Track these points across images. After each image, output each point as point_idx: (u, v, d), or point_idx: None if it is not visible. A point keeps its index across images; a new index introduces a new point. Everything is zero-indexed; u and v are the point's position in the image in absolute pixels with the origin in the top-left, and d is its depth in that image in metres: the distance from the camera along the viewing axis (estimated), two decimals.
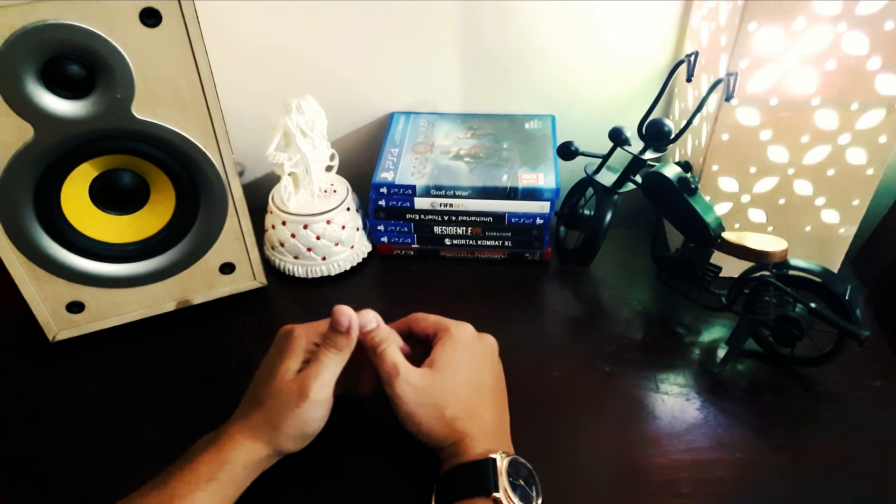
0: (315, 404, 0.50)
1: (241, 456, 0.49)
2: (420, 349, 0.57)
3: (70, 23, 0.51)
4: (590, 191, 0.75)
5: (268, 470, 0.52)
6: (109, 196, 0.62)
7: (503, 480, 0.47)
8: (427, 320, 0.57)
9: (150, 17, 0.53)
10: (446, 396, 0.52)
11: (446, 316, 0.58)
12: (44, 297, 0.63)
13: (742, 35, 0.58)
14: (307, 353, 0.53)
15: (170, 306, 0.69)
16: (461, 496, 0.47)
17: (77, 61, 0.53)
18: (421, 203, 0.74)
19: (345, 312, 0.52)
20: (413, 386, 0.51)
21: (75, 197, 0.60)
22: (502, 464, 0.48)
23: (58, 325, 0.66)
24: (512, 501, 0.46)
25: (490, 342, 0.58)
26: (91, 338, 0.67)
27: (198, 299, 0.70)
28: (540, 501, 0.48)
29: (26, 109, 0.53)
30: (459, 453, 0.50)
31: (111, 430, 0.61)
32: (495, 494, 0.46)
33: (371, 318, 0.54)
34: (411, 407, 0.51)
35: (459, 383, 0.53)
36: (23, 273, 0.61)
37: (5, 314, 0.71)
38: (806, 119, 0.62)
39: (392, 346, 0.53)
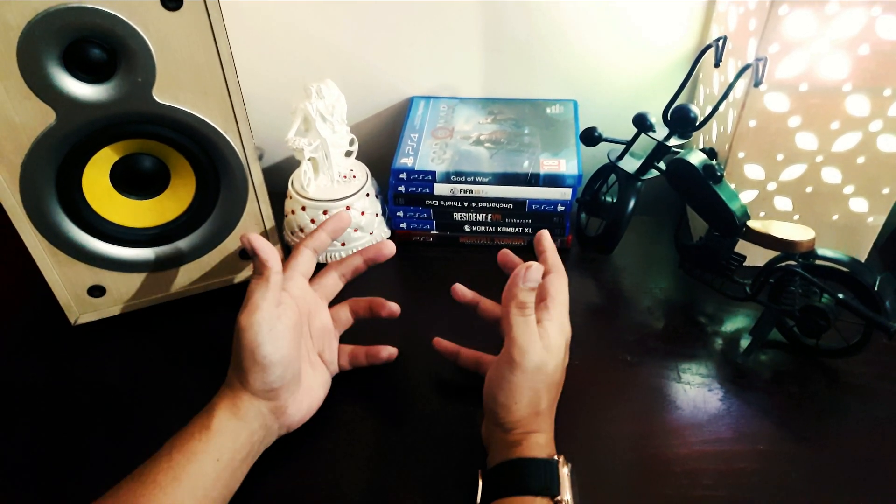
0: (249, 331, 0.51)
1: (224, 402, 0.52)
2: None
3: (92, 6, 0.50)
4: (612, 177, 0.74)
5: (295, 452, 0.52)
6: (130, 180, 0.62)
7: (567, 485, 0.47)
8: (545, 286, 0.55)
9: (172, 1, 0.52)
10: (545, 385, 0.51)
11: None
12: (66, 281, 0.64)
13: (772, 19, 0.57)
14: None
15: (190, 291, 0.69)
16: (521, 490, 0.47)
17: (99, 45, 0.53)
18: (441, 189, 0.73)
19: (243, 238, 0.54)
20: (537, 366, 0.49)
21: (96, 181, 0.60)
22: (565, 469, 0.48)
23: (79, 309, 0.66)
24: None
25: (569, 335, 0.56)
26: (112, 321, 0.68)
27: (218, 284, 0.70)
28: None
29: (48, 93, 0.53)
30: (521, 444, 0.49)
31: (132, 413, 0.61)
32: (562, 497, 0.46)
33: (535, 276, 0.50)
34: (522, 387, 0.50)
35: (556, 379, 0.52)
36: (45, 257, 0.61)
37: (28, 298, 0.71)
38: (836, 105, 0.60)
39: (534, 315, 0.51)
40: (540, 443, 0.50)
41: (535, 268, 0.50)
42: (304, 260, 0.60)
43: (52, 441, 0.59)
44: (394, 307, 0.61)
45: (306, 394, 0.56)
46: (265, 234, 0.69)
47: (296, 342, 0.54)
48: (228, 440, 0.50)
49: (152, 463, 0.48)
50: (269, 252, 0.53)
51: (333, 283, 0.62)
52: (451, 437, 0.58)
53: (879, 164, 0.63)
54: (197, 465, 0.48)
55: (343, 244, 0.74)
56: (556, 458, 0.48)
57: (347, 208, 0.72)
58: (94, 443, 0.59)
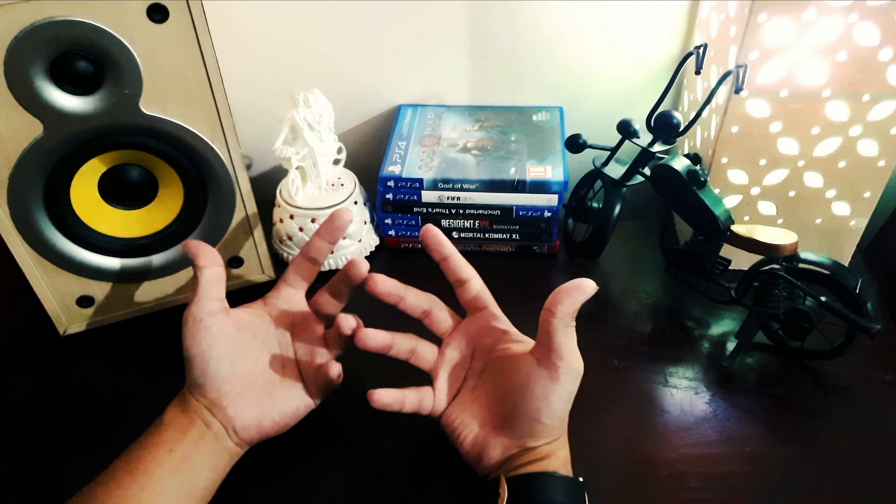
0: (187, 328, 0.52)
1: (176, 398, 0.54)
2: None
3: (78, 19, 0.51)
4: (598, 183, 0.75)
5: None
6: (118, 191, 0.62)
7: None
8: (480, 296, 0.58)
9: (157, 13, 0.53)
10: (574, 393, 0.51)
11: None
12: (54, 292, 0.64)
13: (751, 26, 0.57)
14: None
15: (179, 300, 0.69)
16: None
17: (85, 57, 0.53)
18: (428, 196, 0.74)
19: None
20: (579, 373, 0.50)
21: (84, 192, 0.60)
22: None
23: (68, 320, 0.66)
24: None
25: None
26: (101, 331, 0.68)
27: None
28: None
29: (35, 106, 0.53)
30: (549, 457, 0.50)
31: (121, 424, 0.61)
32: None
33: (589, 289, 0.50)
34: (563, 395, 0.50)
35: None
36: (33, 268, 0.61)
37: (16, 309, 0.71)
38: (817, 111, 0.61)
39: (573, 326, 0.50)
40: (560, 456, 0.51)
41: (593, 284, 0.50)
42: (294, 268, 0.59)
43: (40, 452, 0.59)
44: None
45: (256, 400, 0.54)
46: (253, 242, 0.69)
47: (232, 343, 0.53)
48: (178, 431, 0.51)
49: (115, 462, 0.50)
50: (195, 249, 0.55)
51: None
52: (438, 444, 0.58)
53: (860, 168, 0.64)
54: (151, 457, 0.49)
55: (332, 252, 0.74)
56: (581, 479, 0.50)
57: None
58: (84, 453, 0.59)
